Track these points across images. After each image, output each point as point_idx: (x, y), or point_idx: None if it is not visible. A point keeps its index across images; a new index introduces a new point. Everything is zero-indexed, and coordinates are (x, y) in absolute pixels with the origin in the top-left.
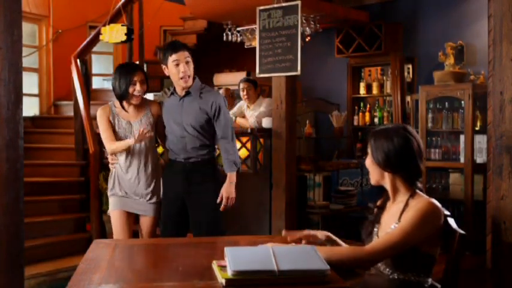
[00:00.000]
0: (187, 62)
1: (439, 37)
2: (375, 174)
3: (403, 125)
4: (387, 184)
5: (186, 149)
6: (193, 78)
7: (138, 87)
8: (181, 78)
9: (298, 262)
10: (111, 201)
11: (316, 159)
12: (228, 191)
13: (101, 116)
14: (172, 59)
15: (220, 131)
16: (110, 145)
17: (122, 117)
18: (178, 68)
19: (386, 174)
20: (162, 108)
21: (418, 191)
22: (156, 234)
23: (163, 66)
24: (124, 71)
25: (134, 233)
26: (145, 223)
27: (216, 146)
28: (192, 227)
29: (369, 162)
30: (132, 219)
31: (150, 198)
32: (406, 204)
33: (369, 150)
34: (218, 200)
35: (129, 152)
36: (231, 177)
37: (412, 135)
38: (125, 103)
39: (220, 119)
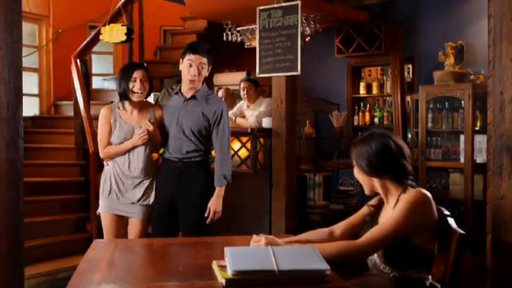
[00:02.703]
0: (201, 67)
1: (439, 37)
2: (365, 183)
3: (379, 130)
4: (378, 189)
5: (181, 150)
6: (202, 83)
7: (138, 84)
8: (189, 79)
9: (298, 262)
10: (102, 202)
11: (316, 159)
12: (216, 204)
13: (103, 118)
14: (187, 58)
15: (218, 141)
16: (107, 149)
17: (124, 120)
18: (190, 69)
19: (375, 180)
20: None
21: (409, 187)
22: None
23: (181, 60)
24: (125, 69)
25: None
26: (133, 226)
27: (211, 151)
28: (181, 227)
29: (356, 172)
30: (122, 221)
31: (141, 200)
32: (398, 200)
33: (354, 162)
34: (206, 214)
35: (129, 151)
36: (220, 191)
37: (388, 137)
38: (127, 104)
39: (220, 128)
